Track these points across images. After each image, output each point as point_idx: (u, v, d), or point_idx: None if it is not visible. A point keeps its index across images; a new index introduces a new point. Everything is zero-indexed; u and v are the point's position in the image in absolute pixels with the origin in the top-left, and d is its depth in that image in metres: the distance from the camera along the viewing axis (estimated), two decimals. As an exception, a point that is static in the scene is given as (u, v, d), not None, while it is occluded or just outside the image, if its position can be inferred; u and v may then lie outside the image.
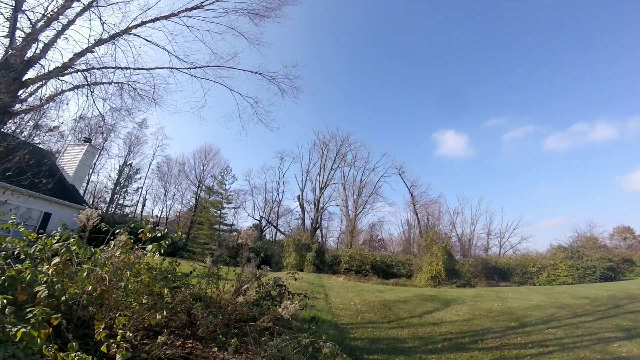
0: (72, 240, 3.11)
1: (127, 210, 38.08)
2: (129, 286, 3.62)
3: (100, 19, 7.98)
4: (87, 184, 33.44)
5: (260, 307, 5.81)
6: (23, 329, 2.26)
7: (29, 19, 6.88)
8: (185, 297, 4.49)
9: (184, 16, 9.50)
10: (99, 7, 8.09)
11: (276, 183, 44.73)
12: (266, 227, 42.85)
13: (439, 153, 68.29)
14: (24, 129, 11.09)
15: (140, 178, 39.30)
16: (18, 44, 6.48)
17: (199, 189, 39.10)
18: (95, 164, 32.33)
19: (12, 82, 6.14)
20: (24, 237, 3.46)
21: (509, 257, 29.25)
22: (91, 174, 33.29)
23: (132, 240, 3.62)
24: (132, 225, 3.84)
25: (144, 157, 40.47)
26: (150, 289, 3.96)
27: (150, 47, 9.28)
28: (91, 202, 34.09)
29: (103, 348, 2.42)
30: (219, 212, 35.21)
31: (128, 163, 37.68)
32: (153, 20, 9.02)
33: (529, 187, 65.26)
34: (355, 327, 7.70)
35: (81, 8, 7.74)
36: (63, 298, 3.02)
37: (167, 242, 3.89)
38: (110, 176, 37.53)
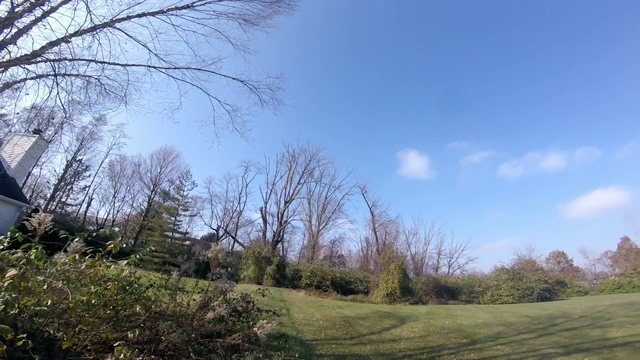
0: (35, 251, 2.82)
1: (69, 209, 34.66)
2: (92, 301, 3.33)
3: (88, 8, 7.49)
4: (27, 177, 29.98)
5: (225, 323, 5.58)
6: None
7: (12, 3, 6.30)
8: (152, 311, 4.21)
9: (172, 14, 9.22)
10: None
11: (238, 193, 43.54)
12: (223, 237, 41.28)
13: (401, 173, 71.63)
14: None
15: (89, 176, 36.14)
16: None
17: (154, 192, 36.86)
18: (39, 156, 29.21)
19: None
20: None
21: (457, 277, 30.99)
22: (33, 167, 29.98)
23: (100, 252, 3.36)
24: (92, 232, 3.57)
25: (96, 153, 37.28)
26: (115, 302, 3.69)
27: (130, 42, 8.84)
28: (29, 196, 30.48)
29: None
30: (173, 218, 33.33)
31: (77, 159, 34.55)
32: (139, 16, 8.64)
33: (479, 211, 70.51)
34: (319, 344, 7.65)
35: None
36: (21, 314, 2.73)
37: (137, 257, 3.68)
38: (55, 171, 33.99)
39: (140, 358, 3.84)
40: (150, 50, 9.23)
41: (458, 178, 72.24)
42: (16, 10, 6.96)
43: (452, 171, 73.06)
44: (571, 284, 29.81)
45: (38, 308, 2.60)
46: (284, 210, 39.42)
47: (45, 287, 2.97)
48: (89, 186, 36.08)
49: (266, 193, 41.25)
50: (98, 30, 8.27)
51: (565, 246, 65.12)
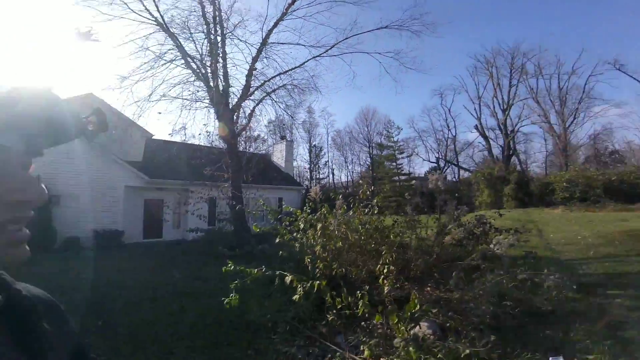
0: (323, 209, 4.66)
1: (322, 182, 45.87)
2: (361, 239, 4.70)
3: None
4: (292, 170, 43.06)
5: (463, 247, 6.04)
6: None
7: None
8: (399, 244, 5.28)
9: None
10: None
11: (444, 120, 41.64)
12: (446, 167, 41.00)
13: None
14: (247, 146, 15.56)
15: (324, 154, 46.51)
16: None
17: (370, 147, 42.26)
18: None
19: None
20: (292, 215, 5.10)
21: None
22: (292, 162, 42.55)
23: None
24: (345, 192, 5.06)
25: (321, 136, 47.75)
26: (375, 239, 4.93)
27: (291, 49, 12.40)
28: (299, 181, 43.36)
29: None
30: (394, 164, 36.76)
31: (313, 144, 45.24)
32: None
33: None
34: (585, 263, 6.64)
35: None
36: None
37: (377, 202, 4.83)
38: (304, 159, 46.38)
39: (399, 285, 5.00)
40: (304, 46, 12.48)
41: None
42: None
43: None
44: None
45: (339, 245, 4.17)
46: (505, 119, 33.76)
47: (336, 232, 4.53)
48: (328, 161, 46.53)
49: (475, 109, 36.77)
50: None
51: None
